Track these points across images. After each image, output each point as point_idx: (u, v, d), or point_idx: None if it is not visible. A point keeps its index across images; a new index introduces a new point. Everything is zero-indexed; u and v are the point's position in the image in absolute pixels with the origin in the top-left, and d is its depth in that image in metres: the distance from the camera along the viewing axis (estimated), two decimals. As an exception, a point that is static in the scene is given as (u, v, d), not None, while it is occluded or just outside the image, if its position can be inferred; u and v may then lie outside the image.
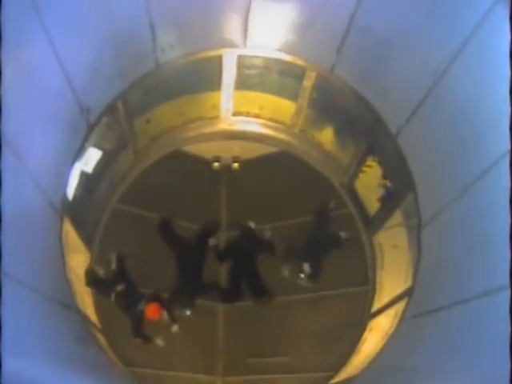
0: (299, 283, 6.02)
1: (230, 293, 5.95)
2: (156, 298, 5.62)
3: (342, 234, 6.06)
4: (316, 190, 6.37)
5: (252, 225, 6.07)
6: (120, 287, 5.56)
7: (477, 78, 3.77)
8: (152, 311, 5.47)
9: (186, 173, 6.32)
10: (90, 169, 5.29)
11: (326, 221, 6.20)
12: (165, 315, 5.61)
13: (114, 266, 5.72)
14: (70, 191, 4.96)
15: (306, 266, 5.93)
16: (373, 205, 6.00)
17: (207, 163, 6.45)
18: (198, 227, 6.08)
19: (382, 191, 5.79)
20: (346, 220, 6.29)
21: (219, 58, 5.57)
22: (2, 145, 3.18)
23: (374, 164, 5.79)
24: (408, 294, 5.02)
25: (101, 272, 5.72)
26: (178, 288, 5.78)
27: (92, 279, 5.62)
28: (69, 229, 4.95)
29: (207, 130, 6.42)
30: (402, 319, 4.95)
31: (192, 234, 6.01)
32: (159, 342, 5.71)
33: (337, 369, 5.74)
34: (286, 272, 6.10)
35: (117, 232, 5.97)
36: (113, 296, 5.55)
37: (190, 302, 5.82)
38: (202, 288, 5.88)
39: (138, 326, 5.54)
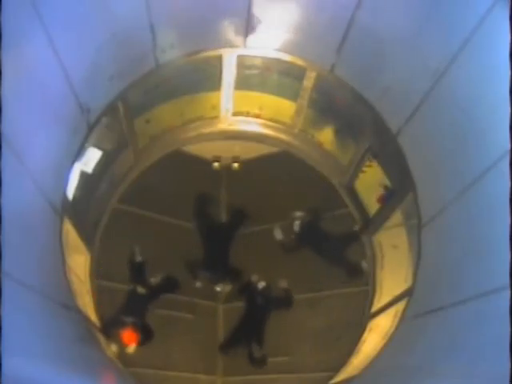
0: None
1: (227, 345, 5.92)
2: (139, 327, 5.70)
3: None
4: (316, 189, 6.37)
5: (261, 283, 5.99)
6: (140, 290, 5.71)
7: (477, 78, 3.77)
8: (128, 338, 5.61)
9: (186, 173, 6.32)
10: (89, 169, 5.29)
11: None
12: (132, 348, 5.70)
13: (139, 258, 5.88)
14: (70, 191, 4.95)
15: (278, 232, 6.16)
16: (373, 205, 6.00)
17: (207, 163, 6.46)
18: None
19: (381, 191, 5.79)
20: (346, 220, 6.31)
21: (219, 58, 5.57)
22: (2, 145, 3.18)
23: (373, 164, 5.79)
24: (408, 294, 5.02)
25: (138, 258, 5.86)
26: (203, 264, 6.00)
27: (130, 259, 5.82)
28: (69, 229, 4.95)
29: (207, 129, 6.42)
30: (402, 319, 4.95)
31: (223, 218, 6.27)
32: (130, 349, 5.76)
33: (337, 369, 5.73)
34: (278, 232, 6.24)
35: (117, 232, 5.97)
36: (130, 287, 5.72)
37: (217, 278, 6.03)
38: (228, 270, 6.05)
39: (112, 329, 5.62)
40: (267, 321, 5.87)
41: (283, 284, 6.00)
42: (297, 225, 6.20)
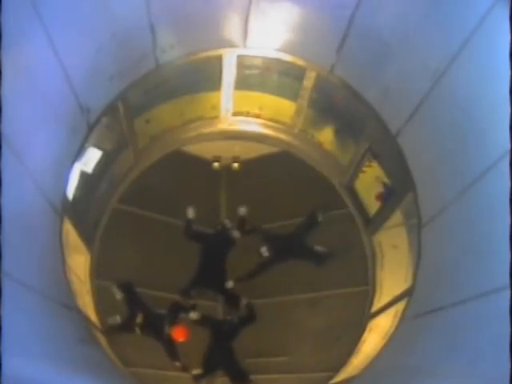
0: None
1: (204, 375, 5.77)
2: (176, 315, 5.66)
3: (318, 248, 6.11)
4: (316, 190, 6.37)
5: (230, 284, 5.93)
6: (139, 318, 5.60)
7: (477, 78, 3.77)
8: (179, 334, 5.55)
9: (186, 173, 6.32)
10: (89, 169, 5.29)
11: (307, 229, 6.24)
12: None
13: (118, 297, 5.75)
14: (70, 191, 4.95)
15: (264, 250, 6.07)
16: (373, 205, 5.99)
17: (207, 163, 6.46)
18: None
19: (381, 191, 5.79)
20: (346, 220, 6.30)
21: (219, 58, 5.57)
22: (2, 145, 3.18)
23: (374, 164, 5.79)
24: (408, 293, 5.01)
25: (117, 319, 5.68)
26: (200, 280, 5.89)
27: (114, 330, 5.62)
28: (69, 229, 4.95)
29: (207, 129, 6.43)
30: (402, 319, 4.95)
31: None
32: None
33: (337, 369, 5.73)
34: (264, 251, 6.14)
35: (117, 232, 5.97)
36: (137, 330, 5.59)
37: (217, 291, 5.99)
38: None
39: (173, 350, 5.60)
40: (235, 341, 5.76)
41: (243, 300, 5.88)
42: (265, 250, 6.11)
